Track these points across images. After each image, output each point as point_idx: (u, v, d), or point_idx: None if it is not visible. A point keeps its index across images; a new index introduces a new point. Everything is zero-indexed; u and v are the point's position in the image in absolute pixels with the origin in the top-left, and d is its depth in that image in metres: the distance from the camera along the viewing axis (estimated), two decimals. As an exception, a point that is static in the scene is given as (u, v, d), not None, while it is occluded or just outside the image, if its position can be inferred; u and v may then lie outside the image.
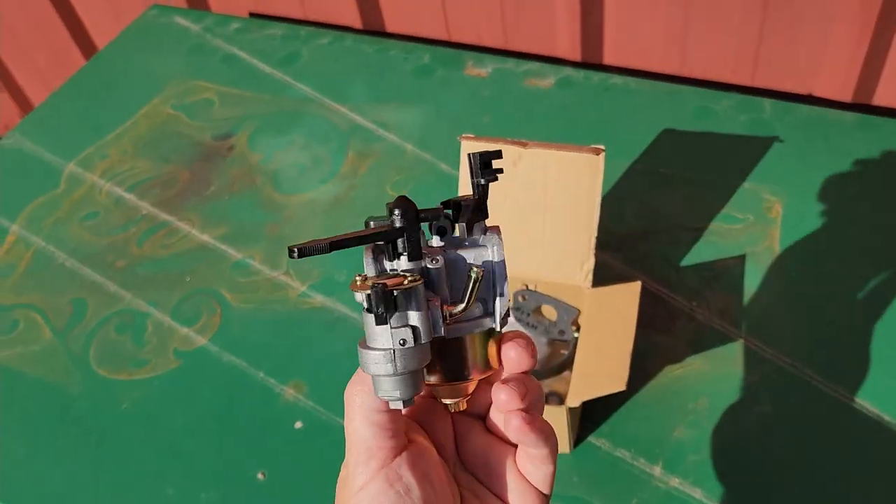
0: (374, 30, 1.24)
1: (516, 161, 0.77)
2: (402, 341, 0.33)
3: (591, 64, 1.13)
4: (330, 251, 0.32)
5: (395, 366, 0.33)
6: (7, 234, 1.02)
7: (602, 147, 0.75)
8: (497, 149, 0.36)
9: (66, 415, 0.84)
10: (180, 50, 1.24)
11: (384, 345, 0.34)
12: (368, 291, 0.32)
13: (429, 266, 0.35)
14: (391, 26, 1.22)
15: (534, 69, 1.11)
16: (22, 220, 1.04)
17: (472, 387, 0.38)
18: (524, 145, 0.77)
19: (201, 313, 0.90)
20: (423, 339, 0.34)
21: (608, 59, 1.12)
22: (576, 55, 1.12)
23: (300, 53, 1.20)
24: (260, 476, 0.76)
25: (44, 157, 1.12)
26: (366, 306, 0.33)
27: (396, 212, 0.34)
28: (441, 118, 1.07)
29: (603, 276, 0.82)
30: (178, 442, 0.80)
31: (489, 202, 0.36)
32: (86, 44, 1.56)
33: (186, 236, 0.99)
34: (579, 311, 0.81)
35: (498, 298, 0.36)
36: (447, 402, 0.38)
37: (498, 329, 0.37)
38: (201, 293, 0.92)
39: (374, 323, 0.33)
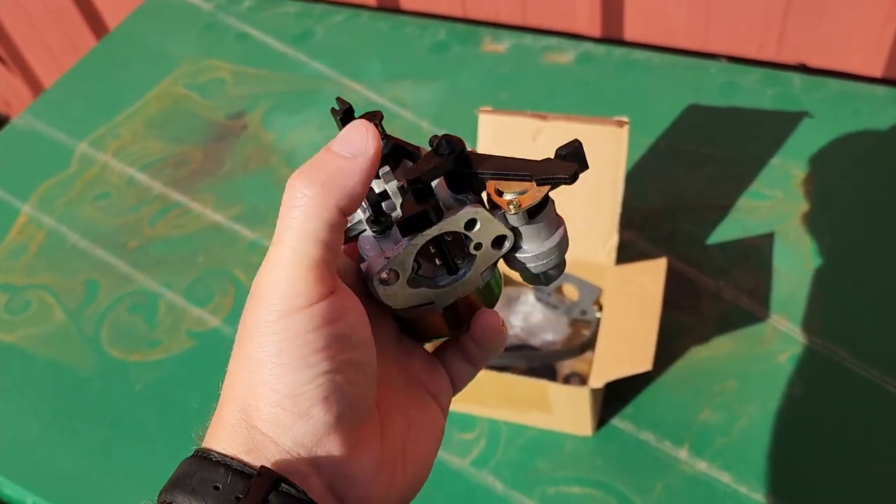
0: (389, 6, 1.21)
1: (536, 134, 0.75)
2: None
3: (612, 39, 1.10)
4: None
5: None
6: (19, 214, 1.01)
7: (626, 119, 0.72)
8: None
9: (79, 396, 0.83)
10: (192, 29, 1.22)
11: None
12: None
13: None
14: (406, 3, 1.19)
15: (553, 44, 1.08)
16: (34, 201, 1.02)
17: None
18: (544, 118, 0.75)
19: (214, 294, 0.89)
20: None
21: (629, 35, 1.09)
22: (596, 31, 1.09)
23: (314, 31, 1.18)
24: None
25: (55, 138, 1.10)
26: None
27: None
28: (457, 95, 1.04)
29: (627, 255, 0.80)
30: (192, 423, 0.79)
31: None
32: (97, 25, 1.55)
33: (199, 216, 0.97)
34: (601, 290, 0.79)
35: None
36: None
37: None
38: (214, 273, 0.91)
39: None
